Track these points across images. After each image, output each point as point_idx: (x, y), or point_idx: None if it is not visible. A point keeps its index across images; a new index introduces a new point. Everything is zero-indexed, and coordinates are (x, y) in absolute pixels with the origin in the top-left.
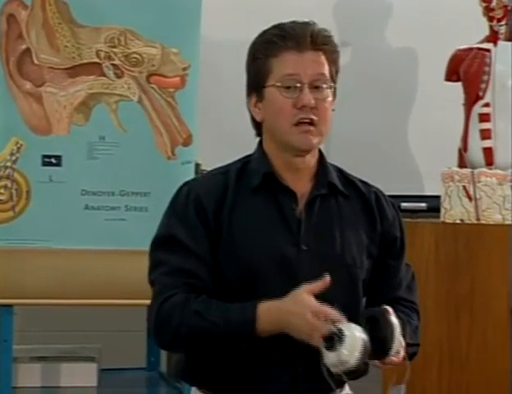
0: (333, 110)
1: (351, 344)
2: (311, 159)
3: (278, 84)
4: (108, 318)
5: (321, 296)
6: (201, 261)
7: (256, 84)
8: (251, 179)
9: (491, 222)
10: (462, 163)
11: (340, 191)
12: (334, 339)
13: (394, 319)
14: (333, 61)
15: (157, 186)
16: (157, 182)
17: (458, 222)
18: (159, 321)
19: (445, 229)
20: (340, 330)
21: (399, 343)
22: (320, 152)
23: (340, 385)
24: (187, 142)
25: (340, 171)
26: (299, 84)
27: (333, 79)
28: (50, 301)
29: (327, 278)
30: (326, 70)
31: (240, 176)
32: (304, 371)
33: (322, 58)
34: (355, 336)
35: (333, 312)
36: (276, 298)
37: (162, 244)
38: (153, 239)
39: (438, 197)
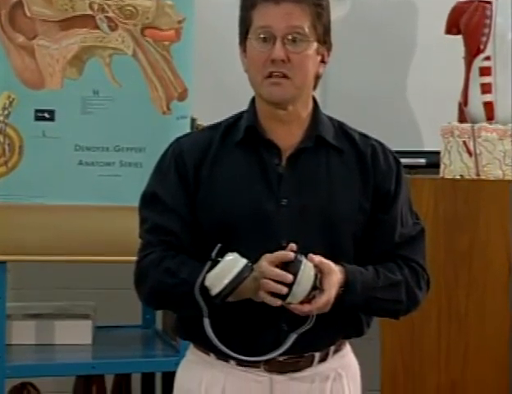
0: (323, 62)
1: (224, 269)
2: (299, 111)
3: (253, 36)
4: (103, 275)
5: (303, 254)
6: (179, 218)
7: (241, 36)
8: (237, 133)
9: (492, 178)
10: (462, 118)
11: (332, 145)
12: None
13: (304, 266)
14: (317, 14)
15: (152, 142)
16: (153, 138)
17: (457, 177)
18: (137, 278)
19: (445, 185)
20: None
21: (304, 291)
22: (315, 104)
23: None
24: (182, 96)
25: (341, 125)
26: (272, 37)
27: (317, 33)
28: (44, 258)
29: (293, 246)
30: (303, 22)
31: (228, 132)
32: (288, 329)
33: (300, 11)
34: (230, 263)
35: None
36: (254, 254)
37: (146, 201)
38: (140, 196)
39: (438, 152)
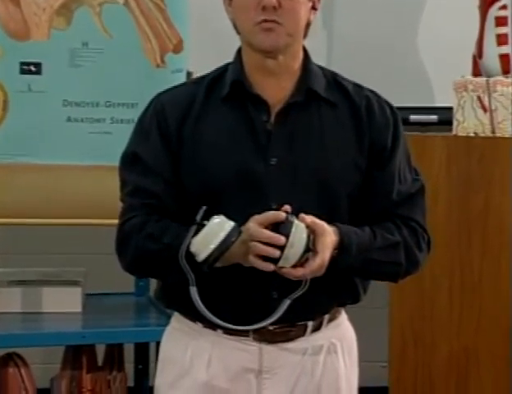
0: (314, 9)
1: (210, 233)
2: (289, 62)
3: None
4: (94, 240)
5: (294, 215)
6: (162, 180)
7: None
8: (222, 88)
9: (507, 136)
10: (476, 71)
11: (324, 98)
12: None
13: (296, 227)
14: None
15: (146, 97)
16: (146, 92)
17: (471, 135)
18: (118, 245)
19: (458, 143)
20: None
21: (297, 254)
22: (305, 55)
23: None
24: (178, 48)
25: (334, 77)
26: None
27: None
28: (30, 221)
29: (287, 207)
30: None
31: (213, 86)
32: (278, 297)
33: None
34: (217, 226)
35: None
36: (242, 217)
37: (126, 162)
38: (120, 156)
39: (450, 108)
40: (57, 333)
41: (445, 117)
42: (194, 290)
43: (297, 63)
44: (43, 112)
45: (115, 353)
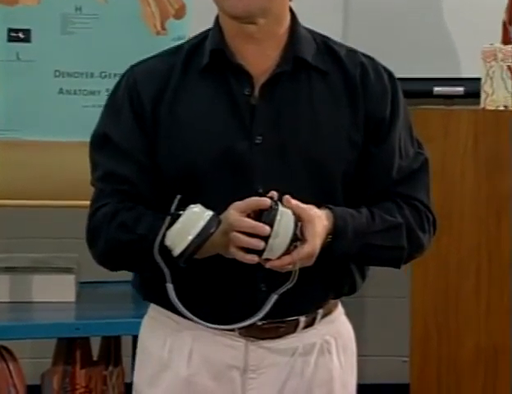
0: None
1: (186, 224)
2: (272, 27)
3: None
4: None
5: (279, 200)
6: (135, 163)
7: None
8: (201, 58)
9: None
10: (506, 39)
11: (314, 67)
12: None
13: (282, 214)
14: None
15: None
16: None
17: (501, 108)
18: (89, 235)
19: (486, 117)
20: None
21: (283, 244)
22: (292, 18)
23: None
24: (179, 14)
25: (326, 41)
26: None
27: None
28: (19, 202)
29: (273, 194)
30: None
31: (192, 55)
32: (267, 289)
33: None
34: (194, 216)
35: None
36: (225, 204)
37: (96, 143)
38: (91, 136)
39: (478, 79)
40: (49, 325)
41: (473, 89)
42: (170, 288)
43: (282, 28)
44: (33, 84)
45: (111, 346)
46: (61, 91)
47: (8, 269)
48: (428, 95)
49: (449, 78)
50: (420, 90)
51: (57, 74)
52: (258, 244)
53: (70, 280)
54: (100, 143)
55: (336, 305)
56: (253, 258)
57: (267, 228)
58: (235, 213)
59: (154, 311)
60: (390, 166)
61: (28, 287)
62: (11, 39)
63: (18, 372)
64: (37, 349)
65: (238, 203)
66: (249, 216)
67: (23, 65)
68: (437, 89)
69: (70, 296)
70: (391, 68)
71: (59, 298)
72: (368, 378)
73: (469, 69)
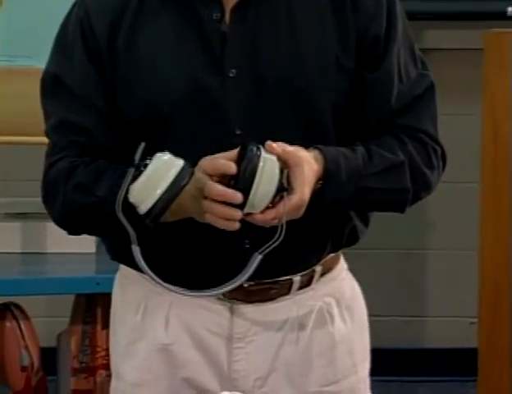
0: None
1: (153, 175)
2: None
3: None
4: None
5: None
6: (92, 109)
7: None
8: None
9: None
10: None
11: None
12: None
13: (264, 162)
14: None
15: None
16: None
17: None
18: (44, 195)
19: None
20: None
21: (267, 196)
22: None
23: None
24: None
25: None
26: None
27: None
28: (31, 139)
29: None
30: None
31: None
32: (252, 246)
33: None
34: (162, 166)
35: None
36: (197, 150)
37: (47, 87)
38: (40, 79)
39: None
40: (66, 279)
41: None
42: (137, 251)
43: None
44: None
45: None
46: None
47: (19, 216)
48: (501, 17)
49: None
50: (492, 11)
51: None
52: (233, 213)
53: None
54: (51, 87)
55: (336, 260)
56: (232, 225)
57: (239, 196)
58: (204, 176)
59: (126, 268)
60: (389, 93)
61: (41, 236)
62: None
63: (31, 332)
64: (52, 306)
65: (205, 165)
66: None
67: None
68: (475, 8)
69: (90, 247)
70: None
71: (77, 249)
72: (429, 342)
73: None
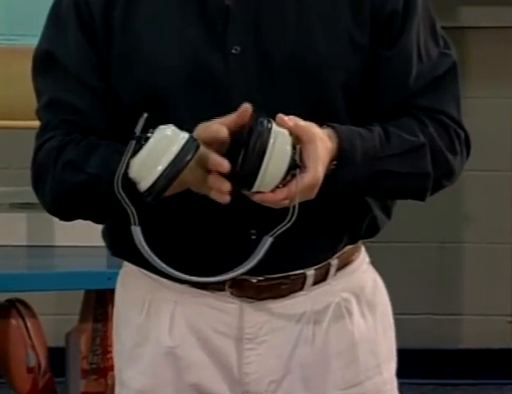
0: None
1: (156, 149)
2: None
3: None
4: None
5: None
6: (85, 88)
7: None
8: None
9: None
10: None
11: None
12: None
13: (275, 136)
14: None
15: None
16: None
17: None
18: (34, 177)
19: None
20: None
21: (278, 174)
22: None
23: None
24: None
25: None
26: None
27: None
28: (35, 123)
29: (247, 108)
30: None
31: None
32: (258, 235)
33: None
34: (166, 139)
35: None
36: (192, 131)
37: (39, 64)
38: (32, 55)
39: None
40: (75, 274)
41: None
42: (137, 231)
43: None
44: None
45: None
46: None
47: (24, 206)
48: None
49: None
50: None
51: None
52: (221, 185)
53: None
54: (43, 64)
55: (355, 252)
56: (223, 198)
57: (225, 165)
58: (202, 146)
59: (128, 265)
60: (407, 72)
61: (49, 228)
62: None
63: (38, 331)
64: (60, 303)
65: (199, 131)
66: (236, 133)
67: None
68: None
69: (101, 240)
70: None
71: (87, 241)
72: (464, 342)
73: None
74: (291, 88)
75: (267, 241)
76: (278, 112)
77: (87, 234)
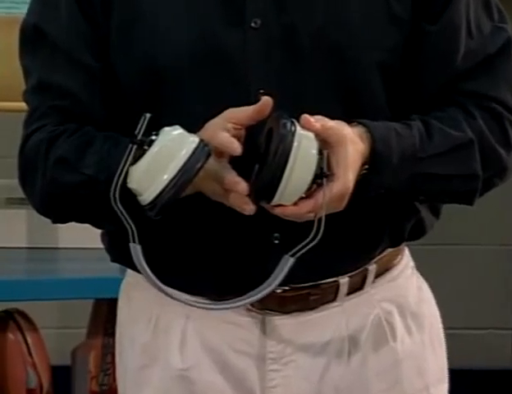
0: None
1: (161, 156)
2: None
3: None
4: None
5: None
6: (79, 68)
7: None
8: None
9: None
10: None
11: None
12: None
13: (300, 141)
14: None
15: None
16: None
17: None
18: (21, 173)
19: None
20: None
21: (302, 184)
22: None
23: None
24: None
25: None
26: None
27: None
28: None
29: (267, 102)
30: None
31: None
32: (282, 242)
33: None
34: (172, 143)
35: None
36: (204, 119)
37: (26, 41)
38: (19, 30)
39: None
40: (82, 280)
41: None
42: (136, 250)
43: None
44: None
45: None
46: None
47: (24, 201)
48: None
49: None
50: None
51: None
52: (244, 205)
53: None
54: (31, 40)
55: (397, 256)
56: (248, 208)
57: (243, 186)
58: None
59: (133, 275)
60: (454, 49)
61: (52, 227)
62: None
63: (39, 346)
64: (65, 315)
65: (209, 136)
66: (251, 136)
67: None
68: None
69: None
70: None
71: (95, 243)
72: None
73: None
74: (319, 68)
75: (289, 262)
76: (304, 97)
77: (95, 234)
